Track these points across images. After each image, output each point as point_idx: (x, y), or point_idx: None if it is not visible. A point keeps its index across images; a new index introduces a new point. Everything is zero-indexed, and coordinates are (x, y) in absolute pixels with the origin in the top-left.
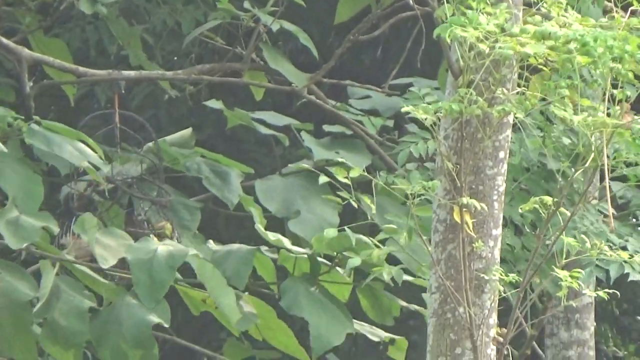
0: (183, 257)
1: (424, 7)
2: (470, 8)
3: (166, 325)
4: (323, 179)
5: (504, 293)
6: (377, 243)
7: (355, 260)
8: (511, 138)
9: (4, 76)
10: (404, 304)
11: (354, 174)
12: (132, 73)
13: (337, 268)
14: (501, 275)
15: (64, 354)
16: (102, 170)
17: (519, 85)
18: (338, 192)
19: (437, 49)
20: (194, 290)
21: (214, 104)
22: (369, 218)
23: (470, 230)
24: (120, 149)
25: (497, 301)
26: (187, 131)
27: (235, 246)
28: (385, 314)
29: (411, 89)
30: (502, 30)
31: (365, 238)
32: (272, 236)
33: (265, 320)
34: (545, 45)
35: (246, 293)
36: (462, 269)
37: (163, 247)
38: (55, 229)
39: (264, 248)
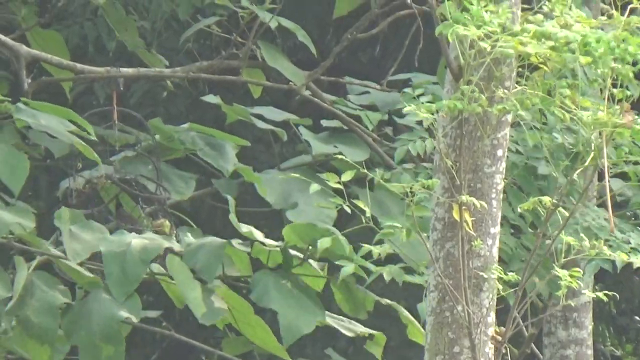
0: (157, 251)
1: (421, 6)
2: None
3: (135, 320)
4: (314, 187)
5: (503, 292)
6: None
7: (348, 269)
8: (510, 136)
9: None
10: (377, 298)
11: (346, 177)
12: (130, 70)
13: (310, 261)
14: (500, 273)
15: (38, 353)
16: (101, 168)
17: (518, 84)
18: (334, 192)
19: (435, 47)
20: (174, 285)
21: (212, 99)
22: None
23: (469, 229)
24: (117, 143)
25: (496, 300)
26: (185, 127)
27: (209, 239)
28: (359, 307)
29: (405, 90)
30: (503, 29)
31: (333, 229)
32: (244, 228)
33: (243, 315)
34: (545, 45)
35: (222, 286)
36: (460, 268)
37: (137, 241)
38: (30, 225)
39: (236, 241)
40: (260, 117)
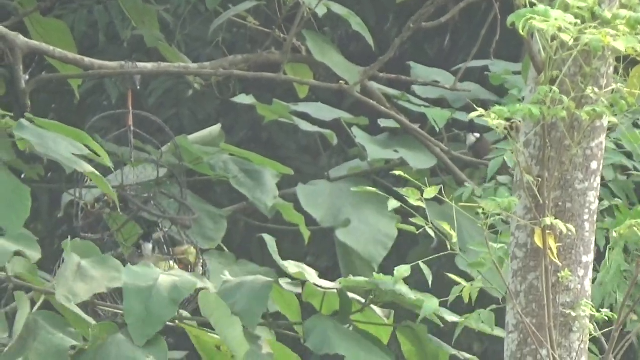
0: (189, 290)
1: None
2: None
3: None
4: (393, 203)
5: (596, 332)
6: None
7: (432, 304)
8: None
9: None
10: (454, 351)
11: (429, 194)
12: (149, 65)
13: (373, 307)
14: (592, 310)
15: None
16: (112, 181)
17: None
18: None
19: (517, 38)
20: (206, 334)
21: (245, 99)
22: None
23: (555, 257)
24: (133, 156)
25: (588, 342)
26: (216, 128)
27: (250, 278)
28: None
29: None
30: (593, 15)
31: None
32: (293, 267)
33: None
34: None
35: (271, 333)
36: (545, 304)
37: (166, 277)
38: (36, 256)
39: (285, 281)
40: (305, 116)
